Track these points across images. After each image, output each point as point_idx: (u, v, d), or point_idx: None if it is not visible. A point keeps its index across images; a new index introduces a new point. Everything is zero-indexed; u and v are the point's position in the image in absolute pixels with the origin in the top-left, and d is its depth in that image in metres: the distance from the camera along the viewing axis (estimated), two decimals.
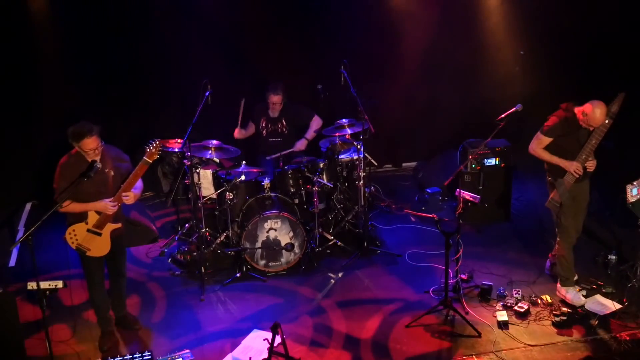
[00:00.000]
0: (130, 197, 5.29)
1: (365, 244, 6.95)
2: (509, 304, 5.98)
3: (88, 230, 5.31)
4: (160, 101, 8.28)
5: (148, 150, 5.19)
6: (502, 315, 5.79)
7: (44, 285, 4.85)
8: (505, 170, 7.48)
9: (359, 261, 6.85)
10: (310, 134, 7.59)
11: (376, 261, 6.88)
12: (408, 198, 8.24)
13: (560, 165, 5.71)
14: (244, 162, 6.96)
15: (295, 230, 6.63)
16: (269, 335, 5.02)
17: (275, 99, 7.35)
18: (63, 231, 5.35)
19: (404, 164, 9.37)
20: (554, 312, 5.81)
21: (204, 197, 6.85)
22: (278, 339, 5.02)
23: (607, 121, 5.50)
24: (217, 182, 6.96)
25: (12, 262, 6.95)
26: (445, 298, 5.85)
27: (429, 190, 7.91)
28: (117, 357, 5.29)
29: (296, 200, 7.00)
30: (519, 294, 6.07)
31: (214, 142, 6.83)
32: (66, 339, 5.73)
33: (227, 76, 7.91)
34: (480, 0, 8.49)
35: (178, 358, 5.31)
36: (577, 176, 5.66)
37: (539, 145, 5.78)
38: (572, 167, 5.66)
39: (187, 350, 5.40)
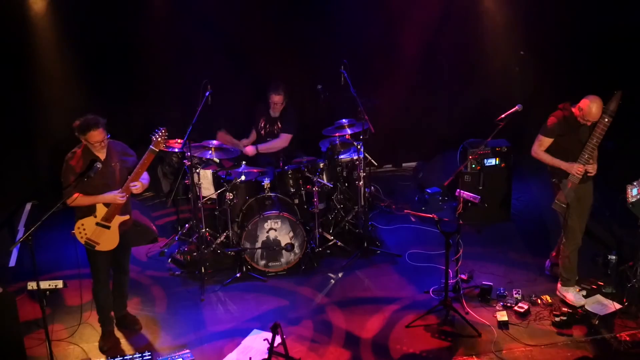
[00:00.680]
0: (138, 186, 5.35)
1: (365, 244, 6.95)
2: (509, 304, 5.98)
3: (97, 224, 5.34)
4: (161, 101, 8.27)
5: (154, 139, 5.25)
6: (502, 316, 5.79)
7: (44, 285, 4.85)
8: (506, 171, 7.48)
9: (359, 261, 6.85)
10: (264, 146, 7.43)
11: (376, 261, 6.88)
12: (408, 198, 8.25)
13: (562, 168, 5.72)
14: (244, 162, 6.97)
15: (295, 231, 6.63)
16: (269, 335, 5.02)
17: (277, 98, 7.36)
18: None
19: (404, 164, 9.37)
20: (554, 312, 5.80)
21: (204, 197, 6.85)
22: (278, 339, 5.03)
23: (606, 119, 5.51)
24: (217, 182, 6.96)
25: (12, 262, 6.95)
26: (445, 298, 5.84)
27: (429, 191, 7.90)
28: (117, 357, 5.31)
29: (296, 201, 7.00)
30: (519, 294, 6.07)
31: (214, 142, 6.83)
32: (66, 339, 5.73)
33: (227, 76, 7.90)
34: (480, 0, 8.50)
35: (178, 358, 5.32)
36: (580, 176, 5.66)
37: (540, 147, 5.79)
38: (573, 169, 5.66)
39: (187, 350, 5.42)
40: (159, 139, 5.26)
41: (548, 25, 8.43)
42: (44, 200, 8.05)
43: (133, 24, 7.90)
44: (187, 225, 7.26)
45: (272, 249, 6.62)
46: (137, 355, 5.35)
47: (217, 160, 6.96)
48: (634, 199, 5.87)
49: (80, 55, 7.87)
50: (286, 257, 6.67)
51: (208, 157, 6.79)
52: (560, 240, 6.08)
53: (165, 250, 7.15)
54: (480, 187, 7.32)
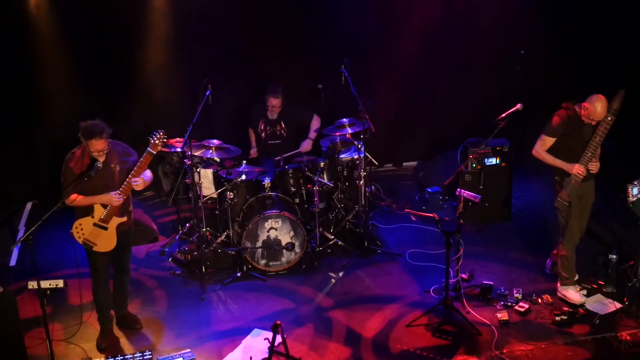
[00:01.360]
0: (140, 182, 5.33)
1: (366, 244, 6.95)
2: (509, 304, 5.98)
3: (94, 225, 5.33)
4: (161, 101, 8.27)
5: (152, 141, 5.23)
6: (503, 315, 5.79)
7: (45, 284, 4.85)
8: (506, 170, 7.48)
9: (359, 261, 6.85)
10: (312, 133, 7.60)
11: (377, 261, 6.88)
12: (409, 197, 8.25)
13: (563, 168, 5.71)
14: (244, 161, 6.97)
15: (296, 230, 6.63)
16: (269, 334, 5.02)
17: (275, 102, 7.37)
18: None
19: (404, 164, 9.37)
20: (555, 312, 5.80)
21: (204, 196, 6.85)
22: (279, 339, 5.03)
23: (609, 118, 5.50)
24: (217, 181, 6.96)
25: (13, 262, 6.95)
26: (445, 297, 5.84)
27: (430, 190, 7.91)
28: (117, 356, 5.32)
29: (297, 200, 7.00)
30: (519, 294, 6.07)
31: (215, 141, 6.83)
32: (67, 338, 5.73)
33: (227, 76, 7.90)
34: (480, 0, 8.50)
35: (178, 357, 5.33)
36: (581, 176, 5.66)
37: (542, 147, 5.78)
38: (574, 169, 5.66)
39: (188, 350, 5.42)
40: (157, 141, 5.23)
41: (548, 25, 8.42)
42: (44, 200, 8.05)
43: (133, 23, 7.90)
44: (187, 224, 7.27)
45: (273, 248, 6.62)
46: (138, 355, 5.36)
47: (218, 160, 6.96)
48: (634, 199, 5.87)
49: (80, 54, 7.86)
50: (287, 257, 6.67)
51: (208, 156, 6.78)
52: (559, 239, 6.07)
53: (166, 249, 7.15)
54: (481, 187, 7.32)
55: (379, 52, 8.50)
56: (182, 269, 6.80)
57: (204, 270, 6.49)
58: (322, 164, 7.01)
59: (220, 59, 8.06)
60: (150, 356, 5.38)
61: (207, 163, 6.95)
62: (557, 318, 5.72)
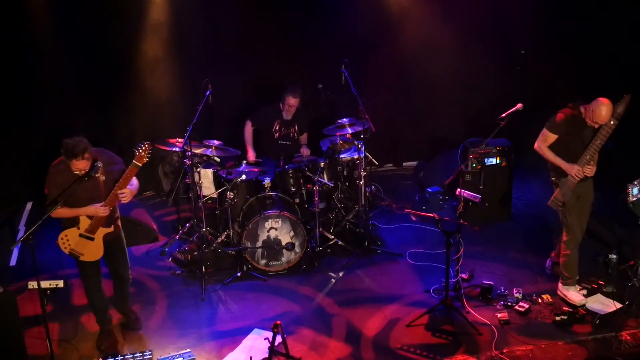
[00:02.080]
0: (126, 194, 5.20)
1: (366, 244, 6.96)
2: (509, 304, 5.98)
3: (80, 235, 5.26)
4: (160, 101, 8.27)
5: (137, 153, 5.08)
6: (503, 315, 5.79)
7: (45, 284, 4.85)
8: (506, 170, 7.47)
9: (359, 260, 6.85)
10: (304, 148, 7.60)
11: (377, 260, 6.88)
12: (409, 197, 8.25)
13: (562, 168, 5.71)
14: (244, 161, 6.97)
15: (296, 230, 6.63)
16: (269, 334, 5.03)
17: (293, 101, 7.36)
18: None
19: (404, 163, 9.37)
20: (555, 312, 5.80)
21: (204, 196, 6.85)
22: (279, 339, 5.03)
23: (612, 122, 5.47)
24: (217, 181, 6.96)
25: (13, 262, 6.96)
26: (445, 297, 5.85)
27: (430, 190, 7.91)
28: (117, 356, 5.31)
29: (297, 200, 7.00)
30: (519, 294, 6.07)
31: (215, 141, 6.83)
32: (67, 338, 5.73)
33: (227, 76, 7.90)
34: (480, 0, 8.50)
35: (179, 357, 5.33)
36: (578, 179, 5.66)
37: (544, 142, 5.77)
38: (573, 170, 5.65)
39: (188, 350, 5.42)
40: (142, 153, 5.08)
41: (549, 25, 8.42)
42: (44, 200, 8.03)
43: (133, 23, 7.90)
44: (187, 224, 7.27)
45: (273, 248, 6.62)
46: (138, 355, 5.36)
47: (218, 160, 6.96)
48: (634, 198, 5.87)
49: (80, 54, 7.86)
50: (287, 257, 6.67)
51: (209, 153, 6.77)
52: (559, 239, 6.07)
53: (166, 249, 7.15)
54: (481, 187, 7.32)
55: (379, 52, 8.50)
56: (182, 269, 6.80)
57: (204, 270, 6.49)
58: (322, 164, 7.01)
59: (221, 59, 8.05)
60: (150, 356, 5.38)
61: (207, 163, 6.95)
62: (558, 318, 5.72)
